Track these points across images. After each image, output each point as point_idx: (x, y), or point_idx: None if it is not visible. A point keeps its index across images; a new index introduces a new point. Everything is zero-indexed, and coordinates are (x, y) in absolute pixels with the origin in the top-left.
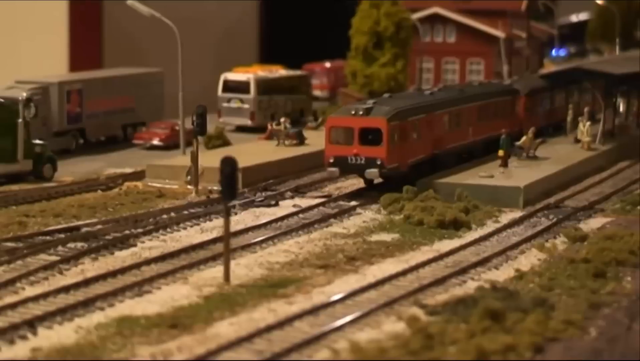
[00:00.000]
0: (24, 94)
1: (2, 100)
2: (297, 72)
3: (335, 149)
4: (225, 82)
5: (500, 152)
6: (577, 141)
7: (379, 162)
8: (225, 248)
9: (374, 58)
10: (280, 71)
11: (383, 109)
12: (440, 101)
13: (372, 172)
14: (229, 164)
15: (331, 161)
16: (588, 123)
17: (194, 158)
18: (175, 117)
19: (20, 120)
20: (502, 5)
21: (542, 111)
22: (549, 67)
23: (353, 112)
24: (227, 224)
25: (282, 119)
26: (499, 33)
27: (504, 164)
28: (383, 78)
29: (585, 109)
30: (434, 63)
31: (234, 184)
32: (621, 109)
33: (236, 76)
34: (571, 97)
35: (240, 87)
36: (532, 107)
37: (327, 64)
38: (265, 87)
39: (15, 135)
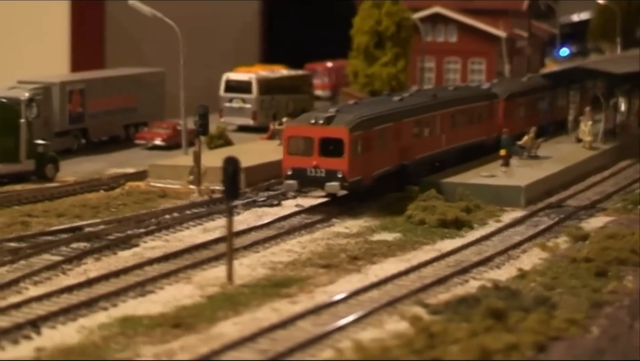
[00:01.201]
0: (26, 94)
1: (4, 100)
2: (299, 72)
3: (294, 160)
4: (227, 82)
5: (502, 152)
6: (579, 140)
7: (340, 175)
8: (228, 247)
9: (375, 58)
10: (282, 71)
11: (345, 118)
12: (409, 107)
13: (333, 186)
14: (231, 163)
15: (289, 173)
16: (589, 122)
17: (197, 158)
18: (176, 117)
19: (22, 120)
20: (504, 5)
21: (522, 116)
22: (551, 67)
23: (313, 121)
24: (230, 223)
25: (284, 119)
26: (501, 33)
27: (506, 164)
28: (384, 78)
29: (587, 109)
30: (435, 63)
31: (237, 184)
32: (622, 108)
33: (238, 75)
34: (557, 101)
35: (242, 87)
36: (511, 112)
37: (329, 64)
38: (267, 87)
39: (17, 135)
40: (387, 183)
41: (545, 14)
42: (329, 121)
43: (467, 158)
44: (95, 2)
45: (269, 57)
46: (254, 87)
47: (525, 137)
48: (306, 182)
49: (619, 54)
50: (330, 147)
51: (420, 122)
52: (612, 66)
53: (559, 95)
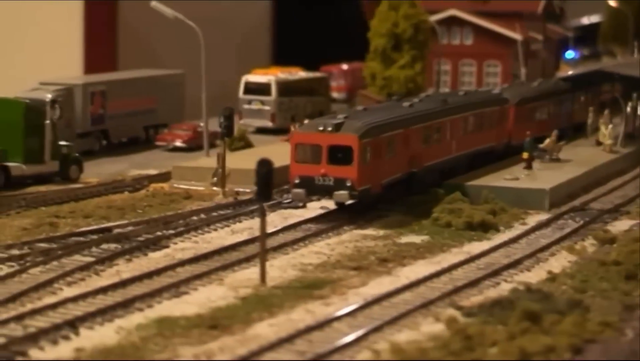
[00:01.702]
0: (50, 96)
1: (28, 101)
2: (316, 74)
3: (302, 168)
4: (246, 84)
5: (525, 155)
6: (599, 143)
7: (348, 184)
8: (261, 248)
9: (392, 60)
10: (299, 73)
11: (354, 125)
12: (419, 113)
13: (341, 195)
14: (264, 165)
15: (297, 181)
16: (610, 126)
17: (221, 160)
18: (195, 119)
19: (47, 121)
20: (519, 7)
21: (534, 121)
22: (565, 70)
23: (321, 128)
24: (263, 224)
25: (305, 121)
26: (516, 35)
27: (529, 167)
28: (402, 80)
29: (606, 112)
30: (451, 65)
31: (270, 185)
32: None
33: (257, 77)
34: (572, 106)
35: (261, 89)
36: (522, 117)
37: (344, 66)
38: (286, 89)
39: (42, 136)
40: (396, 191)
41: (557, 16)
42: (337, 128)
43: (477, 164)
44: (108, 2)
45: (282, 58)
46: (273, 89)
47: (547, 141)
48: (314, 190)
49: (636, 57)
50: (339, 154)
51: (430, 129)
52: (630, 69)
53: (573, 99)
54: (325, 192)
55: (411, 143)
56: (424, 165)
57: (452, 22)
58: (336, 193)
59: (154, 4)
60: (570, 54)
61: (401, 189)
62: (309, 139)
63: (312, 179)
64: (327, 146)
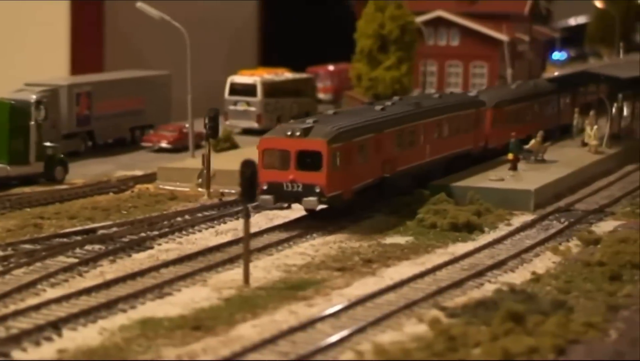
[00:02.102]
0: (35, 97)
1: (13, 102)
2: (303, 75)
3: (269, 174)
4: (232, 85)
5: (510, 156)
6: (584, 144)
7: (318, 190)
8: (245, 250)
9: (378, 61)
10: (285, 74)
11: (323, 129)
12: (391, 117)
13: (310, 202)
14: (249, 166)
15: (264, 188)
16: (595, 127)
17: (206, 161)
18: (182, 120)
19: (32, 122)
20: (506, 8)
21: (513, 124)
22: (551, 71)
23: (289, 132)
24: (247, 226)
25: (291, 122)
26: (503, 36)
27: (514, 168)
28: (388, 81)
29: (591, 113)
30: (437, 66)
31: (254, 186)
32: (625, 112)
33: (243, 78)
34: (550, 109)
35: (246, 90)
36: (500, 120)
37: (331, 67)
38: (272, 90)
39: (27, 137)
40: (368, 196)
41: (544, 17)
42: (306, 132)
43: (454, 169)
44: (94, 3)
45: (269, 60)
46: (259, 90)
47: (532, 141)
48: (282, 197)
49: (622, 58)
50: (308, 160)
51: (403, 133)
52: (616, 70)
53: (555, 101)
54: (294, 198)
55: (383, 148)
56: (397, 170)
57: (438, 23)
58: (305, 199)
59: (139, 4)
60: (558, 55)
61: (373, 195)
62: (277, 145)
63: (281, 185)
64: (296, 151)
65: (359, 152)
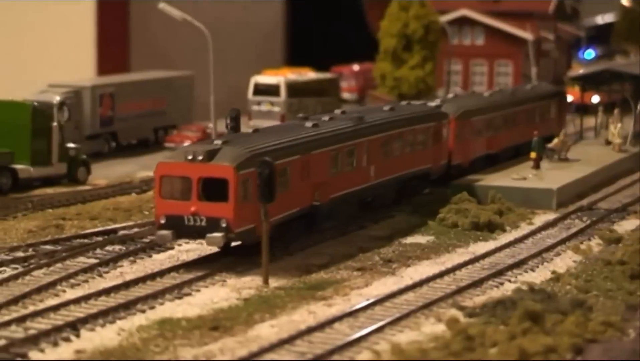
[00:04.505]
0: (58, 98)
1: (36, 104)
2: (327, 75)
3: (168, 205)
4: (256, 85)
5: (533, 154)
6: (608, 142)
7: (224, 225)
8: (264, 250)
9: (402, 61)
10: (309, 74)
11: (232, 152)
12: (324, 135)
13: (214, 238)
14: (267, 166)
15: (162, 221)
16: (619, 125)
17: None
18: (204, 120)
19: (54, 123)
20: (530, 7)
21: (482, 138)
22: (577, 69)
23: (190, 156)
24: (266, 226)
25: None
26: (527, 35)
27: (536, 166)
28: (412, 81)
29: (615, 111)
30: (462, 65)
31: (273, 186)
32: None
33: (266, 78)
34: (531, 119)
35: (270, 90)
36: (466, 134)
37: (356, 67)
38: (295, 89)
39: (49, 138)
40: (294, 229)
41: (570, 16)
42: (210, 156)
43: (409, 192)
44: (120, 3)
45: (294, 59)
46: (282, 90)
47: (555, 140)
48: (184, 232)
49: None
50: (212, 189)
51: (339, 153)
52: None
53: (538, 110)
54: (197, 234)
55: (313, 171)
56: (331, 196)
57: (463, 22)
58: (208, 235)
59: (161, 5)
60: (589, 53)
61: (301, 227)
62: (177, 171)
63: (181, 218)
64: (198, 178)
65: (278, 177)
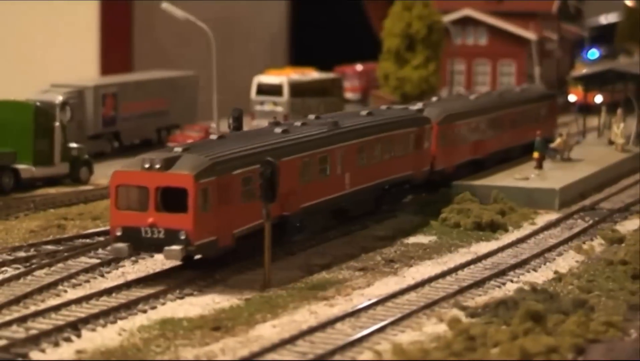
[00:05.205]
0: (60, 98)
1: (38, 103)
2: (330, 75)
3: (124, 217)
4: (259, 84)
5: (535, 154)
6: (611, 142)
7: (183, 237)
8: (266, 250)
9: (406, 60)
10: (312, 74)
11: (192, 160)
12: (293, 141)
13: (172, 252)
14: (269, 166)
15: (118, 234)
16: (622, 125)
17: None
18: (207, 120)
19: (57, 123)
20: (533, 7)
21: (467, 142)
22: (580, 69)
23: (147, 165)
24: (268, 226)
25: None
26: (531, 35)
27: (539, 166)
28: (415, 80)
29: (618, 111)
30: (465, 65)
31: (275, 186)
32: None
33: (269, 78)
34: (520, 122)
35: (273, 90)
36: (449, 138)
37: (359, 67)
38: (298, 89)
39: (52, 138)
40: (257, 242)
41: (574, 16)
42: (168, 164)
43: (389, 200)
44: (123, 2)
45: (298, 59)
46: (285, 90)
47: (558, 140)
48: (141, 245)
49: None
50: (171, 199)
51: (310, 160)
52: None
53: (527, 114)
54: (155, 247)
55: (281, 179)
56: (302, 206)
57: (466, 22)
58: (166, 248)
59: (165, 5)
60: (593, 53)
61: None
62: (133, 180)
63: (138, 230)
64: (155, 188)
65: (242, 187)
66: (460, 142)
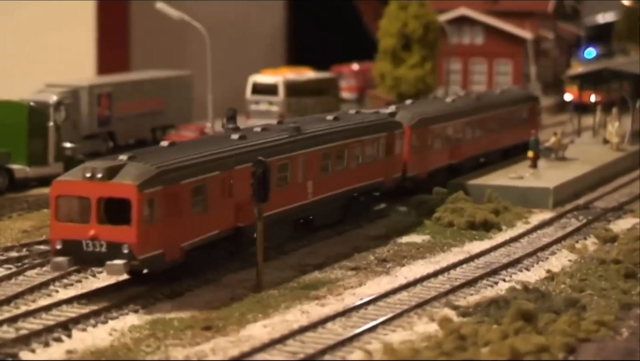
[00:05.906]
0: (55, 98)
1: (33, 103)
2: (326, 74)
3: (65, 229)
4: (254, 84)
5: (530, 153)
6: (606, 141)
7: (126, 251)
8: (258, 250)
9: (402, 60)
10: (308, 73)
11: (136, 169)
12: (250, 148)
13: (115, 267)
14: (261, 165)
15: (58, 247)
16: (617, 124)
17: None
18: (203, 120)
19: (51, 123)
20: (529, 6)
21: (442, 148)
22: (576, 68)
23: (89, 174)
24: (260, 225)
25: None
26: (527, 34)
27: (533, 165)
28: (411, 80)
29: (613, 110)
30: (461, 65)
31: (267, 186)
32: None
33: (265, 78)
34: (498, 126)
35: (269, 90)
36: (423, 143)
37: (355, 66)
38: (294, 89)
39: (46, 138)
40: (215, 253)
41: (570, 15)
42: (110, 174)
43: (356, 209)
44: (120, 2)
45: (294, 59)
46: (281, 90)
47: (553, 139)
48: (82, 259)
49: None
50: (114, 211)
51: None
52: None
53: (506, 117)
54: (97, 261)
55: (237, 189)
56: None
57: (462, 22)
58: (108, 263)
59: (159, 5)
60: (590, 52)
61: (221, 252)
62: (74, 190)
63: (79, 243)
64: (97, 199)
65: (193, 197)
66: (434, 147)
